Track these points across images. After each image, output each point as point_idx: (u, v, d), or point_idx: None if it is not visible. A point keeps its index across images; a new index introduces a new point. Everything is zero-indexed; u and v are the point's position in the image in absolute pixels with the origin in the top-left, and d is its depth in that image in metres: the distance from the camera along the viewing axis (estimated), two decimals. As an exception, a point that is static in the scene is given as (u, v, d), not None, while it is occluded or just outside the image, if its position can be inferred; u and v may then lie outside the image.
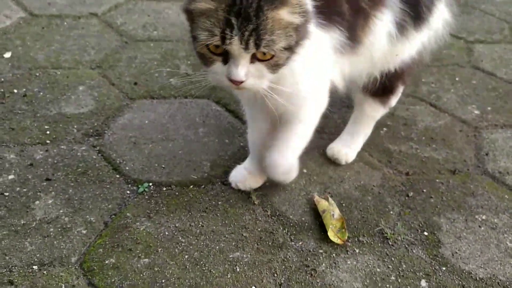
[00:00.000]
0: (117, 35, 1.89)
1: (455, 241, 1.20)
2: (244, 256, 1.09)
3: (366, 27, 1.09)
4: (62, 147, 1.33)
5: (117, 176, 1.26)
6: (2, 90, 1.52)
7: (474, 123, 1.66)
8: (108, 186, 1.23)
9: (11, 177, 1.22)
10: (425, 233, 1.22)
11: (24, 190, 1.19)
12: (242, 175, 1.25)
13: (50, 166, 1.26)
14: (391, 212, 1.26)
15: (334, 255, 1.13)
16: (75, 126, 1.41)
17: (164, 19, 2.05)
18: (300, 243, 1.15)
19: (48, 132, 1.37)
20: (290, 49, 0.91)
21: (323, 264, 1.10)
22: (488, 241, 1.21)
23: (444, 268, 1.13)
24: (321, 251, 1.13)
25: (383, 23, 1.12)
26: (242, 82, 0.91)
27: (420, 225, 1.24)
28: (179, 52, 1.82)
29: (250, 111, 1.21)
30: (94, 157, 1.31)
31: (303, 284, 1.05)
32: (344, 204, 1.26)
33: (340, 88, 1.20)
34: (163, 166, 1.30)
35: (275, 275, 1.07)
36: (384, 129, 1.57)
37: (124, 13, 2.05)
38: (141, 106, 1.52)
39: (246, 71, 0.90)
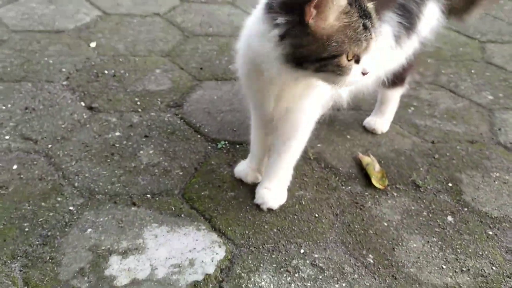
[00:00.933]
0: (179, 30, 2.20)
1: (474, 191, 1.48)
2: (307, 194, 1.38)
3: None
4: (152, 113, 1.63)
5: (199, 136, 1.56)
6: (95, 71, 1.83)
7: (488, 106, 1.95)
8: (193, 143, 1.52)
9: (117, 134, 1.52)
10: (450, 184, 1.50)
11: (130, 143, 1.49)
12: (245, 171, 1.37)
13: (145, 127, 1.57)
14: (421, 169, 1.55)
15: (377, 196, 1.41)
16: (159, 99, 1.71)
17: (216, 18, 2.36)
18: (350, 187, 1.44)
19: (138, 103, 1.68)
20: None
21: (369, 202, 1.39)
22: (501, 191, 1.49)
23: (466, 209, 1.41)
24: (366, 193, 1.42)
25: (383, 34, 1.24)
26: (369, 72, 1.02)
27: (445, 178, 1.52)
28: (233, 46, 2.12)
29: (255, 121, 1.30)
30: (178, 122, 1.61)
31: (354, 214, 1.34)
32: (382, 162, 1.55)
33: (345, 102, 1.35)
34: (234, 129, 1.60)
35: (332, 208, 1.35)
36: (412, 108, 1.86)
37: (182, 13, 2.37)
38: (209, 86, 1.83)
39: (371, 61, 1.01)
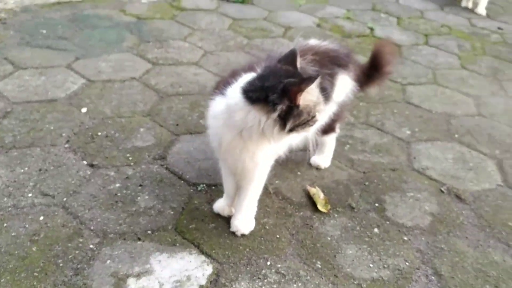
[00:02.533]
0: (154, 92, 2.64)
1: (394, 208, 1.97)
2: (270, 220, 1.83)
3: None
4: (143, 166, 2.05)
5: (182, 182, 1.98)
6: (90, 133, 2.22)
7: (407, 139, 2.47)
8: (178, 187, 1.95)
9: (117, 185, 1.93)
10: (376, 204, 1.98)
11: (128, 191, 1.89)
12: (222, 207, 1.79)
13: (139, 177, 1.98)
14: (355, 194, 2.03)
15: (322, 218, 1.87)
16: (146, 154, 2.13)
17: (184, 78, 2.82)
18: (302, 213, 1.89)
19: (130, 158, 2.09)
20: None
21: (316, 223, 1.84)
22: (414, 207, 1.99)
23: (388, 222, 1.89)
24: (314, 216, 1.88)
25: None
26: None
27: (373, 200, 2.00)
28: (201, 102, 2.58)
29: (224, 172, 1.72)
30: (164, 171, 2.03)
31: (305, 233, 1.79)
32: (325, 191, 2.01)
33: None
34: (209, 174, 2.03)
35: (289, 229, 1.80)
36: (348, 145, 2.36)
37: (155, 75, 2.81)
38: (185, 139, 2.26)
39: None
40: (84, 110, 2.40)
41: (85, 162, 2.04)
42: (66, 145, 2.13)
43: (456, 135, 2.54)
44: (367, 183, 2.10)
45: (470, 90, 3.07)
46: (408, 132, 2.53)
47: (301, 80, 1.40)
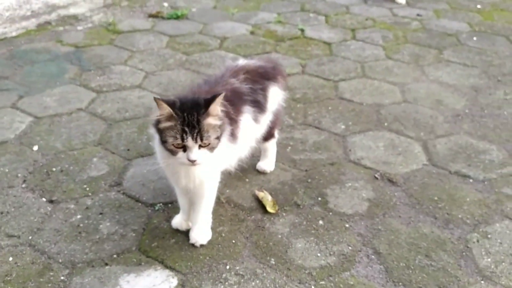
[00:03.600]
0: (102, 120, 2.75)
1: (335, 199, 2.20)
2: (225, 228, 2.00)
3: (236, 126, 1.81)
4: (100, 195, 2.17)
5: (140, 204, 2.13)
6: (45, 170, 2.32)
7: (342, 133, 2.71)
8: (137, 210, 2.09)
9: (79, 216, 2.05)
10: (319, 199, 2.20)
11: (90, 221, 2.02)
12: (179, 222, 1.95)
13: (98, 206, 2.10)
14: (299, 192, 2.24)
15: (272, 219, 2.07)
16: (102, 182, 2.26)
17: (129, 102, 2.94)
18: (253, 216, 2.08)
19: (87, 189, 2.21)
20: (218, 138, 1.62)
21: (267, 224, 2.04)
22: (353, 195, 2.22)
23: (331, 213, 2.11)
24: (265, 218, 2.07)
25: (246, 120, 1.88)
26: (195, 161, 1.58)
27: (316, 195, 2.22)
28: (148, 124, 2.72)
29: (177, 190, 1.89)
30: (122, 196, 2.17)
31: (258, 235, 1.98)
32: (273, 193, 2.21)
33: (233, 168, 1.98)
34: (164, 193, 2.18)
35: (243, 233, 1.99)
36: (289, 147, 2.57)
37: (100, 104, 2.92)
38: (138, 163, 2.40)
39: (197, 154, 1.58)
40: (35, 148, 2.49)
41: (44, 199, 2.14)
42: (23, 185, 2.23)
43: (386, 123, 2.81)
44: (309, 180, 2.32)
45: (395, 79, 3.35)
46: (343, 126, 2.77)
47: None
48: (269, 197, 2.16)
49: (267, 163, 2.36)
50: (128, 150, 2.49)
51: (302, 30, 4.14)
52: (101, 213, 2.07)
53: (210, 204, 1.91)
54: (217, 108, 1.62)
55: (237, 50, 3.71)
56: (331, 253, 1.91)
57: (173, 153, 1.61)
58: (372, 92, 3.17)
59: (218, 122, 1.63)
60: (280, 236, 1.98)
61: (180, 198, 1.94)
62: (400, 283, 1.78)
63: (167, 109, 1.57)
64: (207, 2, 4.74)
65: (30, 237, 1.94)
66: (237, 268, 1.82)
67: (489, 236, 2.00)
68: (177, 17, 4.30)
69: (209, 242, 1.93)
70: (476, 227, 2.04)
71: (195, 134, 1.57)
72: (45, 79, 3.17)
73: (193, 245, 1.91)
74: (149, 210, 2.09)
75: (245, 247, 1.92)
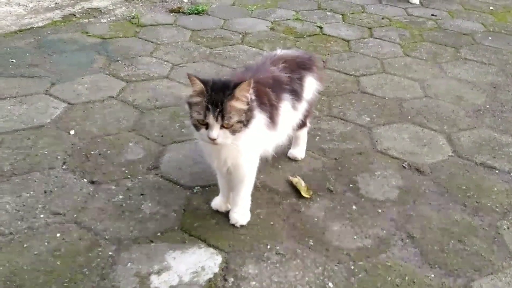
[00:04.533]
0: (134, 108, 2.82)
1: (366, 186, 2.27)
2: (263, 210, 2.07)
3: (276, 113, 1.87)
4: (139, 177, 2.24)
5: (178, 186, 2.19)
6: (83, 153, 2.39)
7: (367, 125, 2.78)
8: (176, 192, 2.16)
9: (120, 197, 2.12)
10: (351, 185, 2.27)
11: (132, 201, 2.09)
12: (219, 204, 2.01)
13: (138, 187, 2.17)
14: (331, 179, 2.31)
15: (307, 203, 2.14)
16: (140, 166, 2.32)
17: (159, 92, 3.01)
18: (288, 200, 2.15)
19: (126, 171, 2.28)
20: (242, 122, 1.64)
21: (303, 208, 2.11)
22: (382, 183, 2.29)
23: (363, 199, 2.18)
24: (300, 202, 2.14)
25: (285, 108, 1.94)
26: (215, 139, 1.63)
27: (347, 182, 2.29)
28: (179, 112, 2.79)
29: (217, 173, 1.94)
30: (160, 179, 2.24)
31: (295, 217, 2.05)
32: (305, 179, 2.28)
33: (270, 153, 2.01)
34: (202, 177, 2.25)
35: (280, 216, 2.06)
36: (317, 137, 2.64)
37: (131, 92, 2.99)
38: (172, 148, 2.47)
39: (217, 133, 1.62)
40: (72, 132, 2.55)
41: (85, 180, 2.21)
42: (64, 167, 2.29)
43: (409, 117, 2.88)
44: (340, 168, 2.39)
45: (414, 75, 3.43)
46: (368, 119, 2.85)
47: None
48: (303, 183, 2.23)
49: (299, 151, 2.43)
50: (162, 136, 2.56)
51: (321, 28, 4.21)
52: (142, 194, 2.13)
53: (250, 186, 1.97)
54: (243, 93, 1.65)
55: (259, 45, 3.78)
56: (367, 236, 1.98)
57: (197, 128, 1.68)
58: (393, 87, 3.24)
59: (244, 107, 1.66)
60: (316, 220, 2.05)
61: (220, 180, 2.01)
62: (436, 265, 1.85)
63: (198, 85, 1.65)
64: (226, -2, 4.82)
65: (75, 215, 2.01)
66: (278, 248, 1.89)
67: (517, 223, 2.07)
68: (198, 13, 4.38)
69: (249, 223, 1.99)
70: (505, 215, 2.12)
71: (216, 113, 1.61)
72: (74, 68, 3.24)
73: (233, 225, 1.97)
74: (188, 193, 2.16)
75: (283, 228, 1.99)
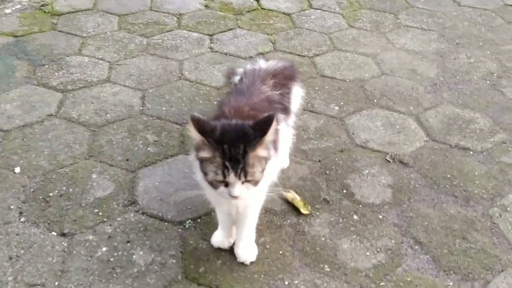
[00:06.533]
0: (82, 127, 2.45)
1: (359, 190, 2.19)
2: (266, 238, 1.92)
3: (277, 138, 1.63)
4: (118, 219, 1.96)
5: (166, 223, 1.96)
6: (40, 197, 2.03)
7: (338, 115, 2.68)
8: (166, 230, 1.92)
9: (104, 249, 1.84)
10: (344, 191, 2.18)
11: (120, 253, 1.82)
12: (221, 240, 1.82)
13: (122, 233, 1.90)
14: (323, 186, 2.20)
15: (308, 220, 2.02)
16: (114, 203, 2.03)
17: (105, 102, 2.64)
18: (289, 220, 2.02)
19: (100, 214, 1.98)
20: (263, 170, 1.45)
21: (306, 227, 1.99)
22: (374, 183, 2.23)
23: (360, 206, 2.11)
24: (301, 221, 2.02)
25: (282, 129, 1.73)
26: (237, 197, 1.42)
27: (340, 187, 2.20)
28: (137, 125, 2.48)
29: (220, 212, 1.77)
30: (143, 218, 1.97)
31: (302, 241, 1.93)
32: (298, 191, 2.15)
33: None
34: (189, 207, 2.02)
35: (286, 241, 1.92)
36: (294, 137, 2.49)
37: (72, 106, 2.59)
38: (144, 174, 2.19)
39: (240, 191, 1.41)
40: (17, 170, 2.16)
41: (54, 233, 1.89)
42: (22, 219, 1.94)
43: (375, 100, 2.83)
44: (327, 172, 2.29)
45: (365, 50, 3.36)
46: (336, 108, 2.74)
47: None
48: (298, 197, 2.10)
49: (284, 159, 2.27)
50: (127, 160, 2.26)
51: (257, 1, 3.96)
52: (128, 241, 1.87)
53: (256, 220, 1.81)
54: (271, 137, 1.44)
55: (199, 29, 3.46)
56: (378, 249, 1.92)
57: (214, 186, 1.46)
58: (349, 67, 3.15)
59: (266, 154, 1.46)
60: (323, 239, 1.94)
61: (220, 215, 1.82)
62: (451, 272, 1.85)
63: (200, 140, 1.41)
64: (145, -29, 4.33)
65: (56, 283, 1.71)
66: (296, 282, 1.77)
67: (508, 209, 2.13)
68: (118, -9, 3.88)
69: (257, 257, 1.84)
70: (493, 201, 2.17)
71: (239, 170, 1.39)
72: (-6, 81, 2.73)
73: (242, 263, 1.81)
74: (179, 230, 1.94)
75: (294, 256, 1.87)
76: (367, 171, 2.30)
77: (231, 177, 1.40)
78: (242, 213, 1.71)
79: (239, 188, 1.42)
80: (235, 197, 1.43)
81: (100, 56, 3.05)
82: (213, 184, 1.45)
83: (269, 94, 1.78)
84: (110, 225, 1.94)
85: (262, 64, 1.95)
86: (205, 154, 1.41)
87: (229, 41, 3.34)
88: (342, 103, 2.79)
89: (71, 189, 2.08)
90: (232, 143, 1.38)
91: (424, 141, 2.52)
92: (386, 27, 3.70)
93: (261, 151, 1.42)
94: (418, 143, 2.51)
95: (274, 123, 1.43)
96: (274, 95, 1.79)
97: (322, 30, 3.58)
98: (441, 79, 3.08)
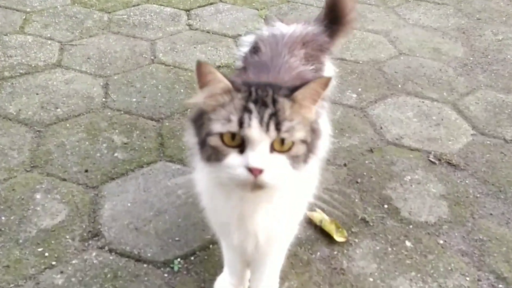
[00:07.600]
0: (24, 126, 1.80)
1: (404, 203, 1.63)
2: (292, 282, 1.34)
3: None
4: (73, 261, 1.33)
5: (145, 265, 1.34)
6: (-44, 231, 1.38)
7: (357, 105, 2.12)
8: (146, 278, 1.31)
9: (52, 313, 1.21)
10: (385, 206, 1.62)
11: (77, 318, 1.20)
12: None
13: (78, 284, 1.27)
14: (356, 200, 1.63)
15: (345, 251, 1.45)
16: (67, 236, 1.40)
17: (55, 92, 1.99)
18: (318, 253, 1.44)
19: (46, 254, 1.35)
20: (307, 144, 0.88)
21: (344, 262, 1.42)
22: (422, 194, 1.68)
23: (411, 226, 1.55)
24: (335, 252, 1.44)
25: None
26: (262, 171, 0.80)
27: (378, 201, 1.64)
28: (99, 123, 1.84)
29: (227, 247, 1.20)
30: (111, 257, 1.35)
31: (341, 283, 1.35)
32: (325, 209, 1.57)
33: None
34: (176, 239, 1.42)
35: (320, 285, 1.34)
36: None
37: (10, 98, 1.93)
38: (111, 191, 1.56)
39: (267, 159, 0.82)
40: None
41: (-25, 289, 1.24)
42: None
43: (399, 85, 2.28)
44: (359, 180, 1.72)
45: (375, 27, 2.82)
46: (354, 95, 2.18)
47: None
48: (327, 218, 1.52)
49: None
50: (86, 171, 1.62)
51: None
52: (89, 298, 1.25)
53: (282, 261, 1.22)
54: (314, 96, 0.87)
55: (172, 2, 2.83)
56: (449, 291, 1.36)
57: (218, 155, 0.84)
58: (360, 46, 2.60)
59: (312, 117, 0.90)
60: (372, 279, 1.37)
61: (228, 254, 1.22)
62: (555, 321, 1.31)
63: (221, 82, 0.85)
64: None
65: None
66: None
67: None
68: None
69: (283, 311, 1.25)
70: None
71: (266, 117, 0.82)
72: None
73: (263, 323, 1.22)
74: (166, 275, 1.32)
75: (335, 308, 1.29)
76: (409, 177, 1.74)
77: (253, 127, 0.81)
78: (263, 248, 1.07)
79: (265, 153, 0.81)
80: (255, 171, 0.80)
81: (49, 35, 2.38)
82: (219, 151, 0.84)
83: (301, 70, 1.19)
84: (61, 272, 1.30)
85: (283, 28, 1.35)
86: (216, 100, 0.86)
87: (211, 17, 2.73)
88: (359, 89, 2.22)
89: (3, 218, 1.44)
90: (259, 87, 0.87)
91: (472, 135, 1.99)
92: (394, 1, 3.16)
93: (306, 103, 0.87)
94: (465, 138, 1.97)
95: (323, 83, 0.87)
96: (307, 73, 1.20)
97: (320, 3, 3.00)
98: (471, 59, 2.56)
